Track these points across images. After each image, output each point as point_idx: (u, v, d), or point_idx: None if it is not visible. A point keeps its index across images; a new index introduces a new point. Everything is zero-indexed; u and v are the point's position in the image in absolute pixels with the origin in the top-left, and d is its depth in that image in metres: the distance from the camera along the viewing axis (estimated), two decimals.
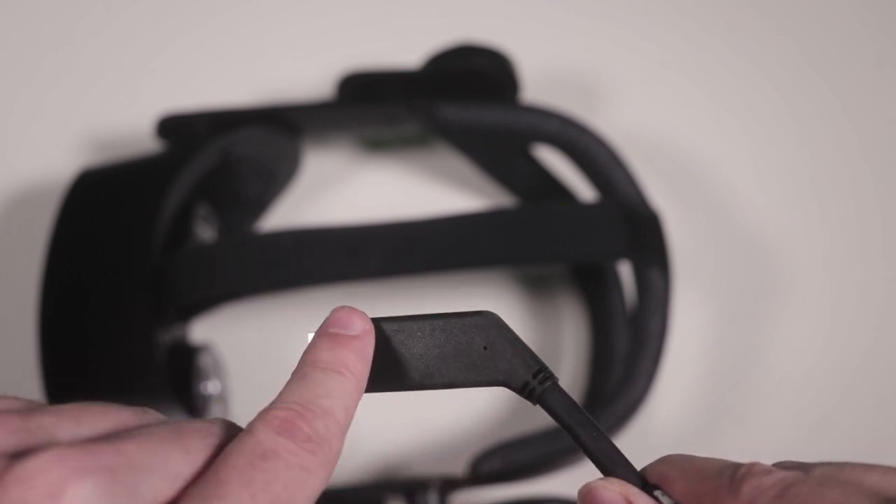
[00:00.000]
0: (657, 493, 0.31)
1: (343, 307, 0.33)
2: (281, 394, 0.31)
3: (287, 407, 0.30)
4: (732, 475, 0.30)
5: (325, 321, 0.33)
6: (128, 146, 0.59)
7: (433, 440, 0.54)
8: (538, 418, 0.54)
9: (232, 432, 0.30)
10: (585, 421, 0.31)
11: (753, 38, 0.63)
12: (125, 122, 0.60)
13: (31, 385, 0.50)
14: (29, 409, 0.29)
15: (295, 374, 0.32)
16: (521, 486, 0.50)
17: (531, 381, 0.31)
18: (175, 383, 0.51)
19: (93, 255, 0.51)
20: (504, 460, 0.49)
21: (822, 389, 0.55)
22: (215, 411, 0.53)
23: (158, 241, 0.51)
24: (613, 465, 0.31)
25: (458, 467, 0.52)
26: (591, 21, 0.64)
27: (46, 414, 0.29)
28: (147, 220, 0.51)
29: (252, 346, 0.56)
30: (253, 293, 0.53)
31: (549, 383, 0.31)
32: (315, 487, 0.29)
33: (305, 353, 0.32)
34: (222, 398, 0.54)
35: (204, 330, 0.56)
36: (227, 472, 0.28)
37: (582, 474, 0.50)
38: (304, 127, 0.56)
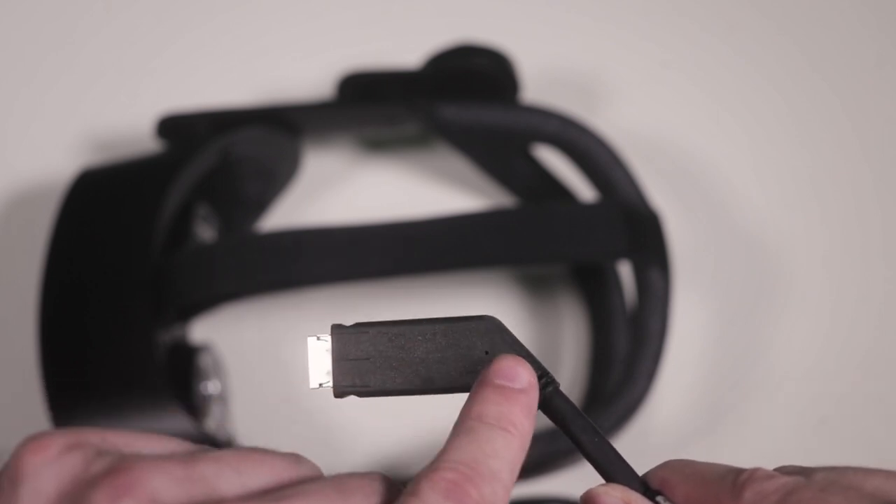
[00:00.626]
0: (659, 498, 0.31)
1: (509, 357, 0.32)
2: (446, 450, 0.30)
3: (454, 468, 0.29)
4: (735, 480, 0.30)
5: (489, 370, 0.31)
6: (128, 146, 0.59)
7: (433, 440, 0.54)
8: (539, 417, 0.54)
9: (393, 490, 0.29)
10: (587, 426, 0.31)
11: (753, 38, 0.63)
12: (125, 122, 0.60)
13: (31, 385, 0.50)
14: (190, 454, 0.28)
15: (459, 427, 0.30)
16: (521, 487, 0.50)
17: None
18: (175, 383, 0.50)
19: (93, 255, 0.51)
20: None
21: (823, 389, 0.55)
22: (215, 411, 0.53)
23: (158, 241, 0.51)
24: (615, 470, 0.31)
25: None
26: (591, 21, 0.64)
27: (208, 462, 0.28)
28: (147, 220, 0.51)
29: (252, 346, 0.56)
30: (253, 293, 0.53)
31: (550, 388, 0.31)
32: None
33: (470, 404, 0.31)
34: (222, 398, 0.54)
35: (204, 330, 0.56)
36: None
37: (581, 475, 0.50)
38: (304, 127, 0.56)
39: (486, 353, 0.32)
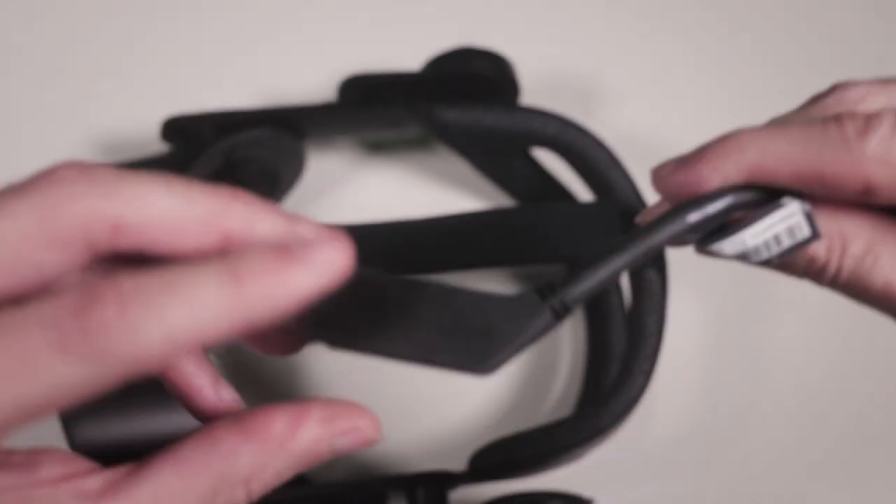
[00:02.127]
0: (785, 199, 0.28)
1: (329, 229, 0.27)
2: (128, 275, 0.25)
3: (117, 282, 0.24)
4: (843, 133, 0.27)
5: (299, 231, 0.28)
6: (132, 149, 0.60)
7: (433, 435, 0.54)
8: (538, 414, 0.54)
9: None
10: (616, 262, 0.29)
11: (753, 40, 0.63)
12: (129, 125, 0.61)
13: None
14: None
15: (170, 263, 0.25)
16: (521, 482, 0.50)
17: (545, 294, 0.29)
18: None
19: None
20: (504, 456, 0.49)
21: (821, 389, 0.56)
22: None
23: None
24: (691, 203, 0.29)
25: (458, 463, 0.52)
26: (590, 24, 0.64)
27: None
28: None
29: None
30: None
31: (557, 305, 0.29)
32: (60, 378, 0.24)
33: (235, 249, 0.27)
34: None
35: None
36: None
37: (582, 470, 0.51)
38: (306, 129, 0.56)
39: (490, 332, 0.28)
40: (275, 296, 0.25)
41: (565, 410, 0.55)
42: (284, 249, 0.26)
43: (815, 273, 0.31)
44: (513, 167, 0.56)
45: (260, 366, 0.56)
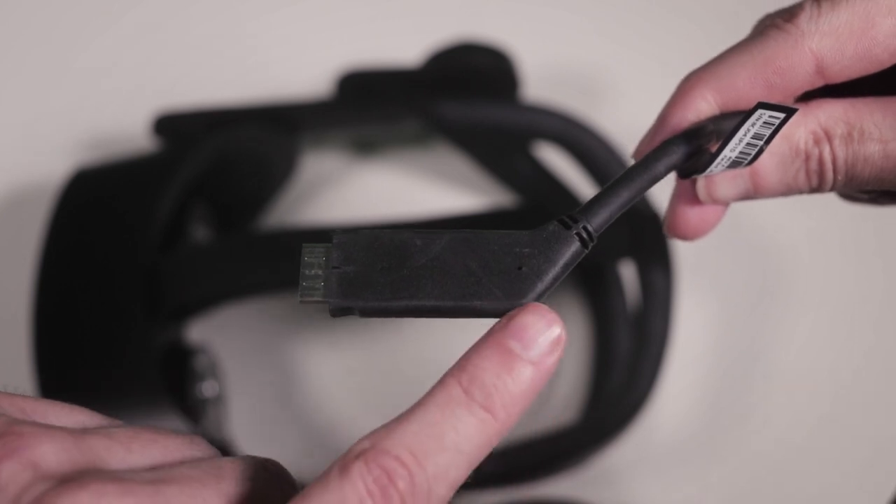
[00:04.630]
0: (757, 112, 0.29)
1: (536, 309, 0.26)
2: (399, 422, 0.25)
3: (396, 454, 0.24)
4: (772, 28, 0.31)
5: (503, 323, 0.26)
6: (123, 144, 0.59)
7: None
8: (540, 420, 0.54)
9: (280, 476, 0.27)
10: (628, 180, 0.29)
11: None
12: (120, 120, 0.60)
13: (24, 386, 0.50)
14: (83, 428, 0.27)
15: (434, 389, 0.25)
16: (523, 489, 0.50)
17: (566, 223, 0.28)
18: (171, 385, 0.50)
19: (88, 256, 0.51)
20: (506, 462, 0.49)
21: (824, 389, 0.55)
22: (211, 413, 0.52)
23: (154, 241, 0.51)
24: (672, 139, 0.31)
25: None
26: (592, 18, 0.63)
27: (99, 437, 0.27)
28: (142, 220, 0.51)
29: (249, 348, 0.56)
30: (250, 293, 0.53)
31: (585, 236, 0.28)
32: None
33: (462, 363, 0.25)
34: (219, 400, 0.53)
35: (201, 331, 0.56)
36: None
37: (584, 477, 0.50)
38: (302, 125, 0.56)
39: (520, 268, 0.28)
40: (522, 409, 0.26)
41: (568, 415, 0.54)
42: (506, 351, 0.26)
43: (819, 176, 0.32)
44: (514, 163, 0.56)
45: (261, 369, 0.56)
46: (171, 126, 0.54)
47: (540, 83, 0.59)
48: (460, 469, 0.25)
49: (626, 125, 0.58)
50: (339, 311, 0.28)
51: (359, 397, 0.52)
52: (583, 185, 0.56)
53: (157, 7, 0.64)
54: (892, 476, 0.53)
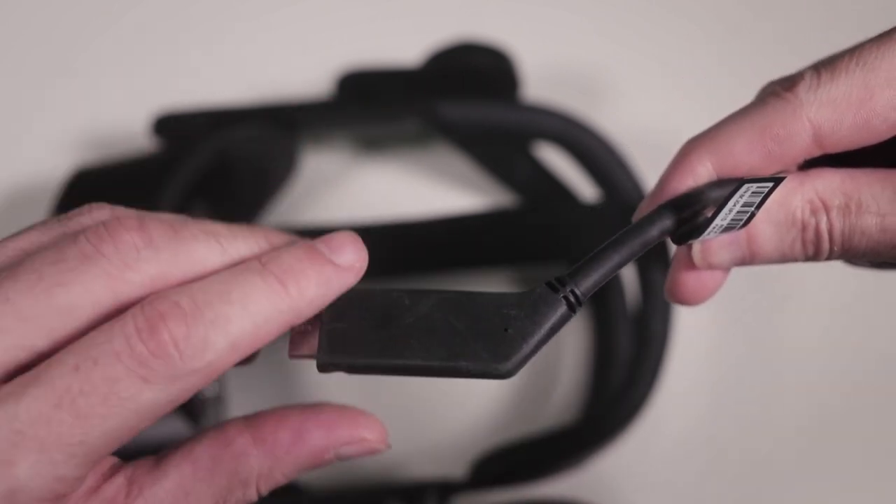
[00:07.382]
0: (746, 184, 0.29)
1: (347, 233, 0.29)
2: (188, 283, 0.26)
3: (175, 300, 0.25)
4: (771, 95, 0.31)
5: (321, 238, 0.29)
6: (123, 144, 0.59)
7: (433, 442, 0.54)
8: (540, 420, 0.54)
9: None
10: (615, 252, 0.30)
11: (755, 38, 0.63)
12: (120, 120, 0.60)
13: None
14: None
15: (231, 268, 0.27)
16: (523, 489, 0.50)
17: (557, 286, 0.29)
18: None
19: None
20: (505, 463, 0.49)
21: (825, 390, 0.55)
22: (211, 413, 0.52)
23: None
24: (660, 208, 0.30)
25: (459, 470, 0.51)
26: (593, 18, 0.63)
27: (196, 226, 0.29)
28: None
29: None
30: None
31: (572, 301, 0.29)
32: (144, 404, 0.25)
33: (268, 251, 0.28)
34: (218, 400, 0.53)
35: None
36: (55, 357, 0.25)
37: (584, 477, 0.50)
38: (303, 125, 0.56)
39: (507, 330, 0.28)
40: (313, 293, 0.27)
41: (569, 415, 0.54)
42: (313, 249, 0.28)
43: (815, 246, 0.32)
44: (514, 163, 0.56)
45: (261, 369, 0.55)
46: (171, 126, 0.54)
47: (540, 83, 0.59)
48: (244, 326, 0.26)
49: (626, 125, 0.59)
50: (327, 367, 0.28)
51: (359, 397, 0.52)
52: (583, 185, 0.56)
53: (157, 7, 0.63)
54: (893, 476, 0.53)
